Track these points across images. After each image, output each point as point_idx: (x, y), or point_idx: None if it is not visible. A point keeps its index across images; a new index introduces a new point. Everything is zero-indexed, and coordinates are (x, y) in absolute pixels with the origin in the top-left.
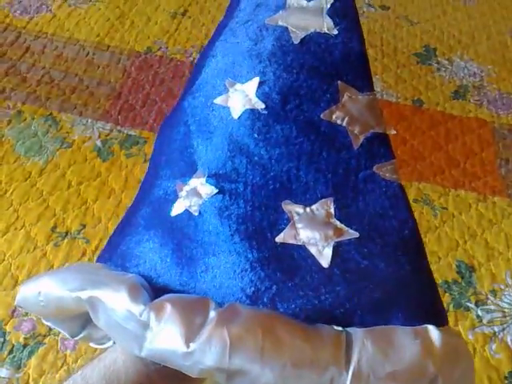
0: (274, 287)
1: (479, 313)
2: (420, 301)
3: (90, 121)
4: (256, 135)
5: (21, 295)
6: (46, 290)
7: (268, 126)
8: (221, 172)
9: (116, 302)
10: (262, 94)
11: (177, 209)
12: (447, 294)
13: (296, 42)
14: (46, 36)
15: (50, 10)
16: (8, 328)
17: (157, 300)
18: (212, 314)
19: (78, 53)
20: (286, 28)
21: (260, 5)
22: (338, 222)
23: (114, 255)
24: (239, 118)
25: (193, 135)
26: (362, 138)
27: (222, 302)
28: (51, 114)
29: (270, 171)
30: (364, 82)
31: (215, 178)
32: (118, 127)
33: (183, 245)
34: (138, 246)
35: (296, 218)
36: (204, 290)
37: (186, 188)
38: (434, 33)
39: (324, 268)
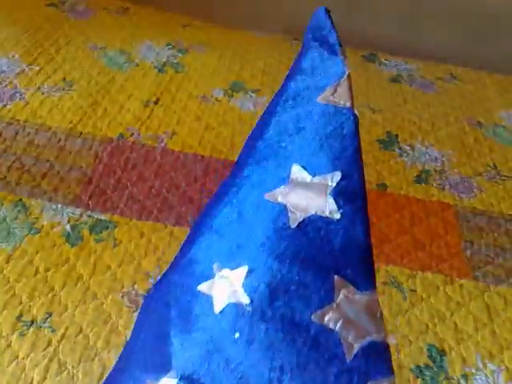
0: None
1: None
2: None
3: (59, 206)
4: (237, 336)
5: None
6: None
7: (251, 326)
8: (194, 376)
9: None
10: (249, 286)
11: None
12: (419, 379)
13: (293, 225)
14: (19, 123)
15: (23, 98)
16: None
17: None
18: None
19: (49, 139)
20: (285, 207)
21: (264, 175)
22: None
23: None
24: (221, 312)
25: (172, 322)
26: (356, 348)
27: None
28: (21, 199)
29: (248, 381)
30: (364, 277)
31: (187, 381)
32: (88, 212)
33: None
34: None
35: None
36: None
37: None
38: (396, 120)
39: None
